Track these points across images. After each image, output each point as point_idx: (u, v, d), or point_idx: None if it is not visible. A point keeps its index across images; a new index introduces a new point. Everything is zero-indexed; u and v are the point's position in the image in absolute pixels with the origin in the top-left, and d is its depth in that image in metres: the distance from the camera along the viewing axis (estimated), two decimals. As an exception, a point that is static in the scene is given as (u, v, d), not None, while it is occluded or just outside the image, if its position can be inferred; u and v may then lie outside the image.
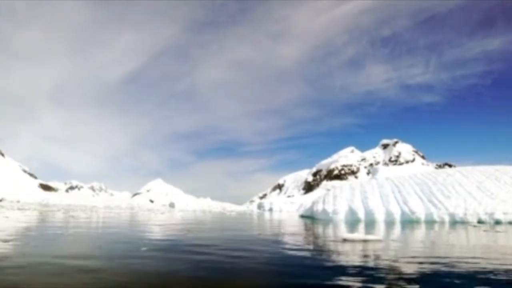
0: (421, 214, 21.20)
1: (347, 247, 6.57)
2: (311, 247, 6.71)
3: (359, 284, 3.44)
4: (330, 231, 12.25)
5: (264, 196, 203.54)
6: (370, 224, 18.96)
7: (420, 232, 12.50)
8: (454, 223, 20.02)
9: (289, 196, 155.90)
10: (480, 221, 19.87)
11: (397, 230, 13.90)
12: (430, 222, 20.49)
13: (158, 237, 8.09)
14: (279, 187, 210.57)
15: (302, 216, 29.93)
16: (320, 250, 6.27)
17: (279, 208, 75.80)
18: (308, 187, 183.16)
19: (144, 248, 5.76)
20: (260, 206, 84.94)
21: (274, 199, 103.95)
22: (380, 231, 12.27)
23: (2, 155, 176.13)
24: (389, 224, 19.50)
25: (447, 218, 20.46)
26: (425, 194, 23.25)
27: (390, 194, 24.13)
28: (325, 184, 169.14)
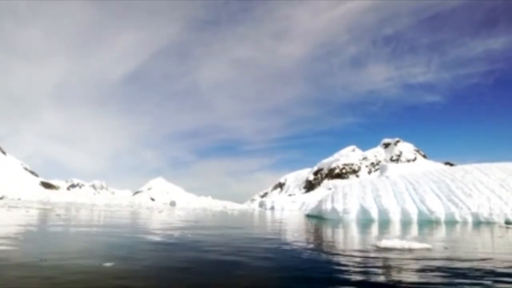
0: (441, 214, 19.37)
1: (392, 261, 4.78)
2: (342, 260, 4.91)
3: None
4: (351, 234, 10.44)
5: (265, 194, 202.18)
6: (385, 225, 17.18)
7: (459, 235, 10.67)
8: (478, 223, 18.20)
9: (290, 195, 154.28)
10: (508, 222, 18.04)
11: (425, 232, 12.07)
12: (451, 223, 18.67)
13: (139, 244, 6.31)
14: (280, 185, 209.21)
15: (309, 216, 28.11)
16: (358, 267, 4.46)
17: (281, 206, 74.19)
18: (309, 186, 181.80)
19: (108, 264, 3.99)
20: (261, 205, 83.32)
21: (276, 198, 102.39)
22: (412, 234, 10.45)
23: (4, 153, 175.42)
24: (406, 224, 17.71)
25: (470, 218, 18.63)
26: (444, 192, 21.39)
27: (404, 192, 22.28)
28: (326, 183, 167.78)
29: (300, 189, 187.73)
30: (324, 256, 5.23)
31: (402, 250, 5.82)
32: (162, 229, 10.59)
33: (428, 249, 5.95)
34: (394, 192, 22.58)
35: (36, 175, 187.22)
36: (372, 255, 5.31)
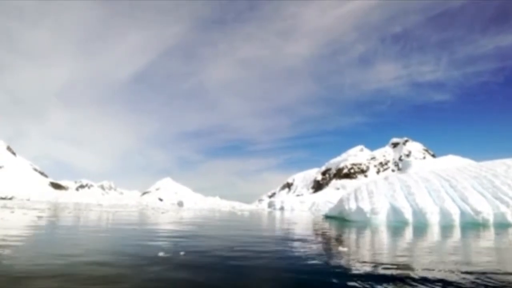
0: (489, 214, 16.52)
1: None
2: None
3: None
4: (436, 246, 7.78)
5: (273, 195, 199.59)
6: (422, 228, 14.45)
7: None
8: (537, 226, 15.35)
9: (298, 195, 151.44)
10: None
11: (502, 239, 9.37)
12: (502, 225, 15.85)
13: (101, 271, 3.88)
14: (288, 186, 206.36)
15: (327, 217, 25.47)
16: None
17: (291, 207, 71.56)
18: (317, 186, 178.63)
19: None
20: (270, 205, 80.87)
21: (285, 198, 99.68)
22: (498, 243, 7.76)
23: (14, 154, 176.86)
24: (447, 228, 14.92)
25: (525, 220, 15.77)
26: (487, 189, 18.52)
27: (440, 189, 19.46)
28: (335, 183, 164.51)
29: (308, 189, 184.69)
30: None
31: None
32: (146, 238, 8.18)
33: None
34: (428, 190, 19.78)
35: (46, 176, 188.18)
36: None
